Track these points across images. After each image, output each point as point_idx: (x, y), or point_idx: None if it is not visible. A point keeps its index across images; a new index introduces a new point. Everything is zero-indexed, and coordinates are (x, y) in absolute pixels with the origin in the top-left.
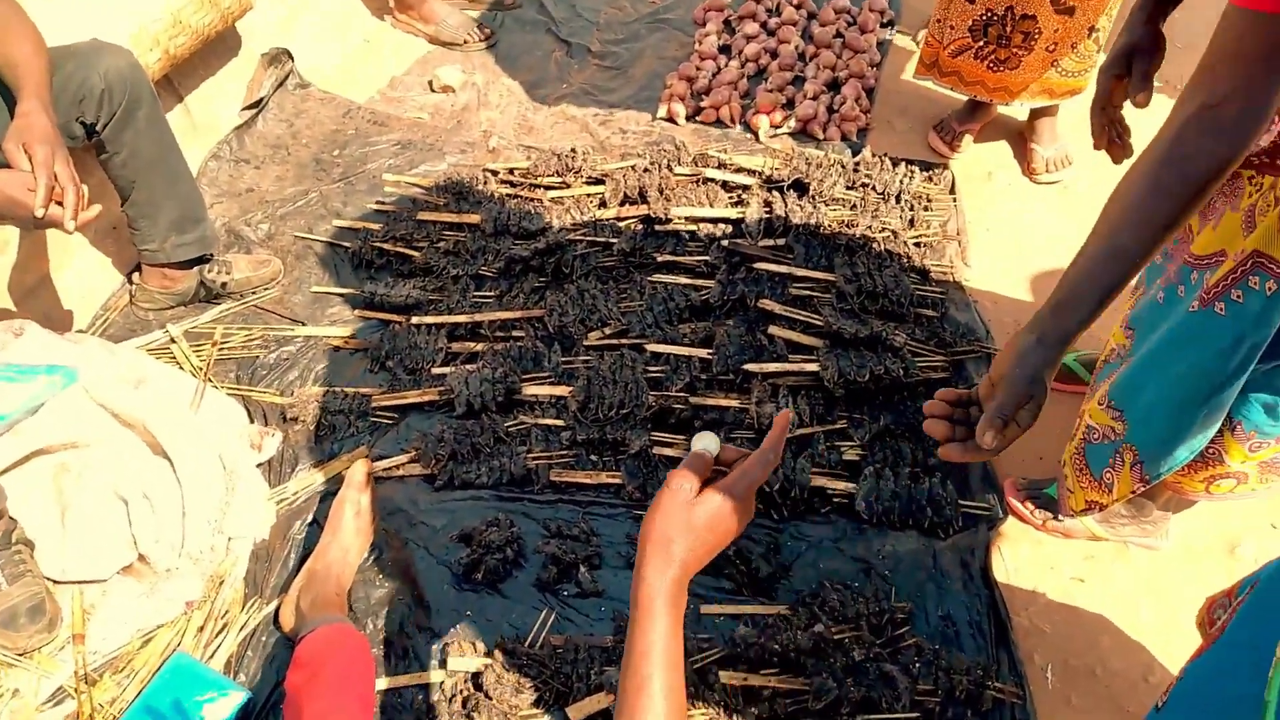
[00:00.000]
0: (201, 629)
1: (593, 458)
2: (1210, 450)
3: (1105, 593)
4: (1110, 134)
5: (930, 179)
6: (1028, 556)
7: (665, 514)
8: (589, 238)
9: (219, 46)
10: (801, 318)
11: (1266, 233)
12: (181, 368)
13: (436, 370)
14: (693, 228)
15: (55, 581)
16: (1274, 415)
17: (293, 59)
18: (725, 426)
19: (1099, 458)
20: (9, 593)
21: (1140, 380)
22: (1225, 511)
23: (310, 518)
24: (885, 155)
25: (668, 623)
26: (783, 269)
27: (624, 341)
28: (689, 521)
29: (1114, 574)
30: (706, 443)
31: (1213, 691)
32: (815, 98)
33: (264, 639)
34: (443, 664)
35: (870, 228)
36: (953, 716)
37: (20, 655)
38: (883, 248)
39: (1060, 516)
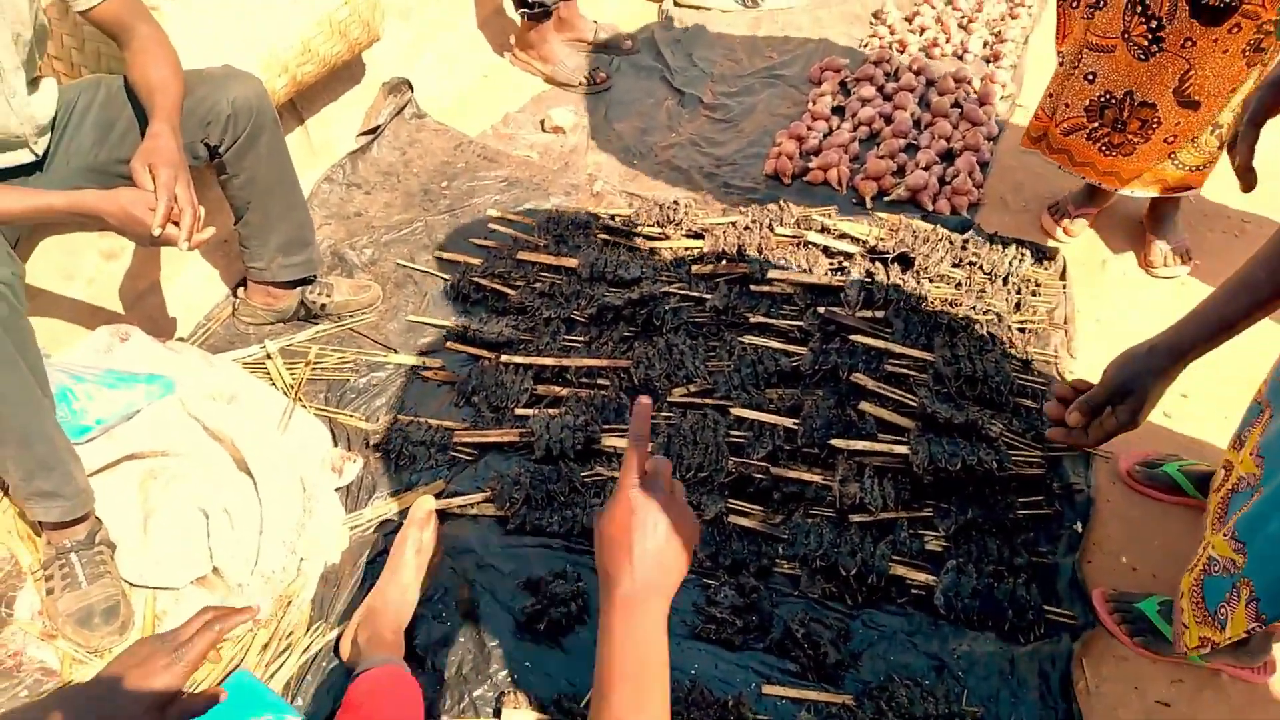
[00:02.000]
0: (265, 647)
1: None
2: None
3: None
4: (1248, 158)
5: (1041, 263)
6: (1111, 674)
7: (608, 546)
8: (683, 291)
9: (344, 74)
10: (895, 396)
11: None
12: (274, 384)
13: (520, 411)
14: (790, 291)
15: (132, 585)
16: None
17: (412, 89)
18: (805, 503)
19: (1216, 592)
20: (88, 592)
21: (1267, 511)
22: None
23: (381, 545)
24: (996, 234)
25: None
26: (880, 344)
27: (709, 401)
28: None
29: (1203, 701)
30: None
31: None
32: (927, 168)
33: (324, 664)
34: (497, 713)
35: (974, 309)
36: None
37: (90, 653)
38: (985, 331)
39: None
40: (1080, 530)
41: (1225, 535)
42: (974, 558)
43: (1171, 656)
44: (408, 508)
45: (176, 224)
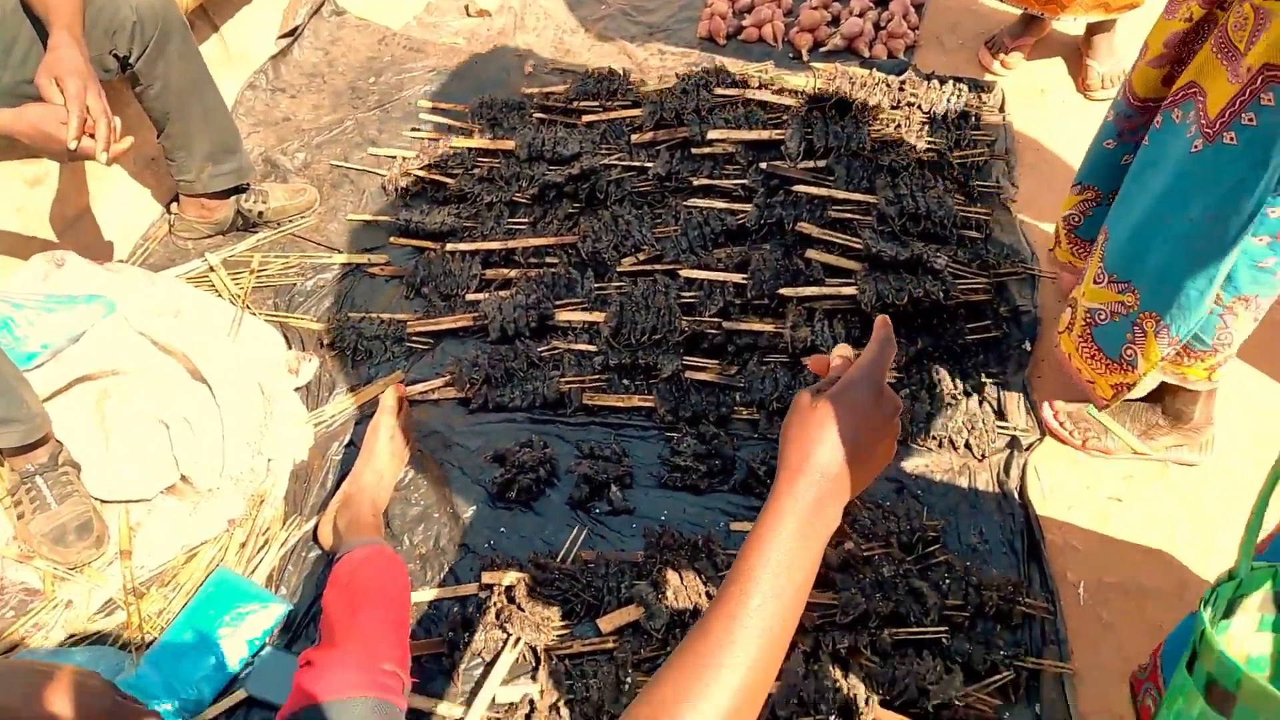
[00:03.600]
0: (243, 545)
1: (625, 382)
2: (1223, 333)
3: (1142, 512)
4: None
5: (979, 97)
6: (1064, 477)
7: (790, 426)
8: (624, 162)
9: None
10: (840, 241)
11: (1275, 44)
12: (220, 296)
13: (471, 296)
14: (731, 150)
15: (102, 501)
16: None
17: None
18: (759, 351)
19: (1112, 338)
20: (58, 511)
21: (1142, 245)
22: (1268, 430)
23: (347, 439)
24: (933, 73)
25: (787, 550)
26: (823, 192)
27: (658, 267)
28: (817, 420)
29: (1152, 494)
30: (840, 349)
31: None
32: (862, 14)
33: (304, 555)
34: (477, 578)
35: (915, 148)
36: (982, 631)
37: (71, 570)
38: (927, 169)
39: (1094, 413)
40: (1029, 349)
41: (1096, 283)
42: (927, 385)
43: (1108, 449)
44: (370, 401)
45: (92, 136)
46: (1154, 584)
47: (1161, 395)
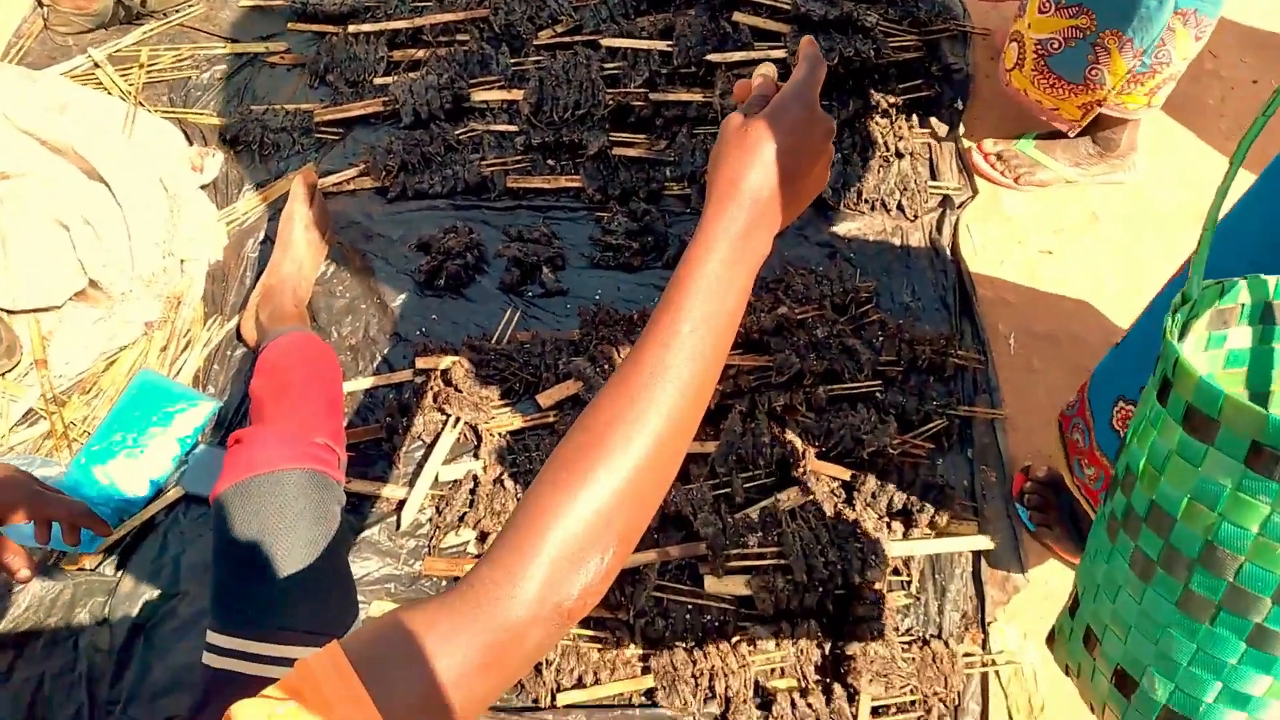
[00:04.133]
0: (164, 348)
1: (550, 162)
2: (1160, 52)
3: (1073, 265)
4: None
5: None
6: (996, 233)
7: (720, 151)
8: None
9: None
10: (768, 1)
11: None
12: (109, 94)
13: (379, 81)
14: None
15: (9, 311)
16: None
17: None
18: (688, 123)
19: (1073, 62)
20: None
21: None
22: (1195, 179)
23: (263, 235)
24: None
25: (717, 276)
26: None
27: (577, 39)
28: (749, 143)
29: (1082, 246)
30: (763, 69)
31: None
32: None
33: (229, 353)
34: (411, 364)
35: None
36: (915, 384)
37: None
38: None
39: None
40: (960, 107)
41: (1042, 12)
42: (859, 148)
43: (1042, 181)
44: (283, 195)
45: None
46: (1083, 332)
47: (1089, 127)
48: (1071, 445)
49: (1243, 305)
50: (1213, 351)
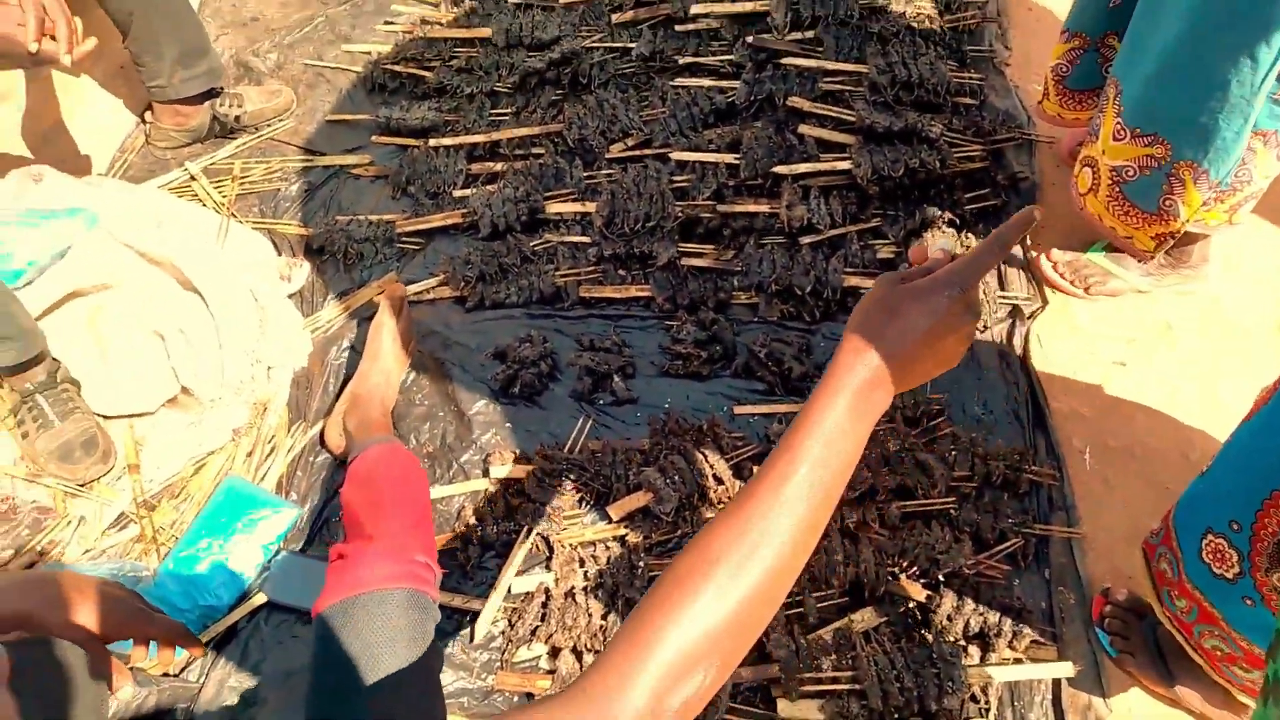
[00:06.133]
0: (250, 454)
1: (621, 272)
2: (1241, 171)
3: (1147, 376)
4: None
5: None
6: (1067, 344)
7: (866, 304)
8: (606, 44)
9: None
10: (833, 114)
11: None
12: (204, 205)
13: (458, 193)
14: (716, 25)
15: (105, 417)
16: None
17: None
18: (755, 234)
19: (1147, 191)
20: (62, 429)
21: (1163, 92)
22: (1272, 289)
23: (346, 343)
24: None
25: (837, 423)
26: (812, 63)
27: (647, 152)
28: (898, 306)
29: (1157, 357)
30: (942, 242)
31: (1264, 446)
32: None
33: (311, 460)
34: (485, 473)
35: (904, 14)
36: (989, 501)
37: (80, 486)
38: (918, 35)
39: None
40: None
41: (1117, 140)
42: None
43: (1114, 291)
44: (367, 304)
45: (53, 39)
46: (1158, 445)
47: None
48: (1159, 575)
49: None
50: None
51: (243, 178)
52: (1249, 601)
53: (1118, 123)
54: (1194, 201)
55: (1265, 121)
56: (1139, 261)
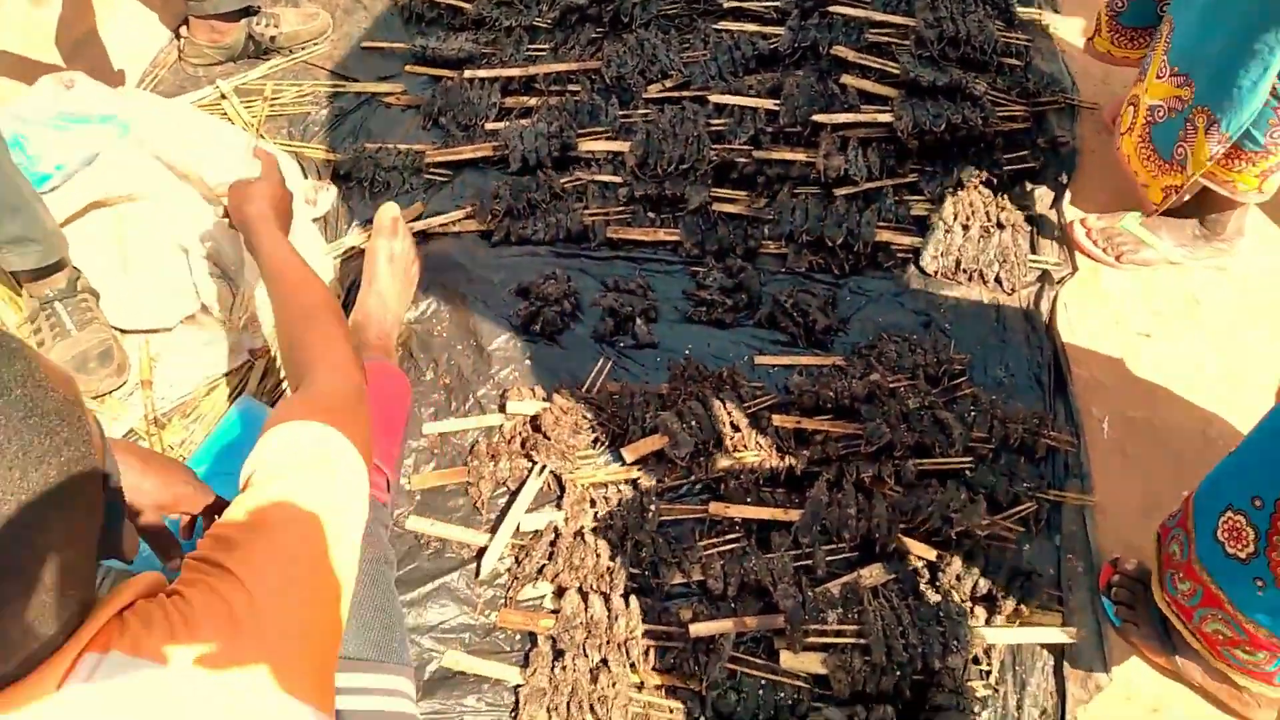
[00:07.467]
0: (265, 376)
1: (650, 214)
2: (1274, 131)
3: (1171, 348)
4: None
5: None
6: (1094, 312)
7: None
8: None
9: None
10: (877, 65)
11: None
12: (233, 124)
13: (490, 126)
14: None
15: (122, 330)
16: None
17: None
18: (790, 182)
19: (1167, 136)
20: (79, 338)
21: (1205, 31)
22: None
23: None
24: None
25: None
26: (859, 13)
27: (685, 94)
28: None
29: (1182, 331)
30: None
31: None
32: None
33: None
34: (502, 408)
35: None
36: (1005, 463)
37: (93, 398)
38: None
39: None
40: (1065, 181)
41: (1159, 77)
42: (959, 216)
43: (1146, 260)
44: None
45: None
46: (1178, 420)
47: (1196, 209)
48: (1167, 559)
49: None
50: None
51: (273, 99)
52: (1260, 583)
53: (1164, 60)
54: (1202, 154)
55: None
56: (1148, 215)
